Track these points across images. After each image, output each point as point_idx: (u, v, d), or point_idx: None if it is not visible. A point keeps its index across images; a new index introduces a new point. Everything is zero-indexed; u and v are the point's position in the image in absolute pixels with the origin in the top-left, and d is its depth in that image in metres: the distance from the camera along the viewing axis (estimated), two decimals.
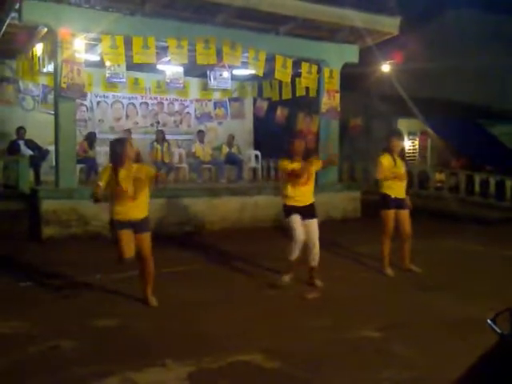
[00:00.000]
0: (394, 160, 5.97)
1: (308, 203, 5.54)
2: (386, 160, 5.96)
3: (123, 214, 4.58)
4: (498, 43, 15.95)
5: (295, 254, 5.48)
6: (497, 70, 15.98)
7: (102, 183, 4.53)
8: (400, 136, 6.12)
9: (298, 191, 5.50)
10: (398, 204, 6.00)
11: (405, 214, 6.06)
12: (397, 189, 5.99)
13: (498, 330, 1.49)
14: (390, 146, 5.96)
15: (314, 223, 5.52)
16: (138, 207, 4.65)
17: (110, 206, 4.68)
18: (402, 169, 6.02)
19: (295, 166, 5.40)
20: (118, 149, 4.60)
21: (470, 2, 16.83)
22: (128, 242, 4.56)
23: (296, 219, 5.45)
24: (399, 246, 6.14)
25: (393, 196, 5.97)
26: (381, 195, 6.07)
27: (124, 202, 4.56)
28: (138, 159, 4.82)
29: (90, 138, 10.73)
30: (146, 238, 4.70)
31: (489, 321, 1.54)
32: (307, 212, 5.51)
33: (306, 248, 5.50)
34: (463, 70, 15.37)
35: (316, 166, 5.60)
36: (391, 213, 5.99)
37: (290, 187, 5.49)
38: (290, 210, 5.50)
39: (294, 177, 5.43)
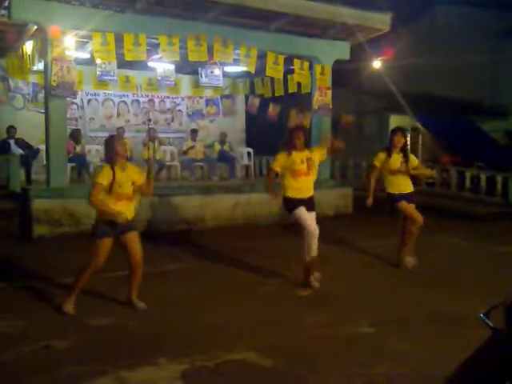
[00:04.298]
0: (390, 155, 6.00)
1: (310, 195, 5.30)
2: (377, 159, 6.08)
3: (118, 215, 4.53)
4: (488, 39, 16.03)
5: (314, 249, 5.17)
6: (487, 66, 16.07)
7: (104, 182, 4.48)
8: (402, 132, 6.14)
9: (299, 182, 5.23)
10: (404, 198, 6.00)
11: (411, 207, 6.05)
12: (398, 185, 6.02)
13: (491, 325, 1.49)
14: (392, 142, 6.05)
15: (314, 216, 5.30)
16: (132, 207, 4.65)
17: (100, 208, 4.55)
18: (395, 164, 6.00)
19: (298, 165, 5.18)
20: (109, 147, 4.59)
21: None
22: (105, 253, 4.50)
23: (303, 210, 5.17)
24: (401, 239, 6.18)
25: (397, 192, 6.01)
26: (387, 195, 6.10)
27: (121, 202, 4.52)
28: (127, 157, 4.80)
29: (74, 135, 10.65)
30: (137, 236, 4.68)
31: (481, 315, 1.54)
32: (309, 205, 5.26)
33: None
34: (454, 67, 15.44)
35: (320, 155, 5.37)
36: (403, 203, 5.97)
37: (291, 177, 5.24)
38: (293, 203, 5.22)
39: (297, 172, 5.22)
